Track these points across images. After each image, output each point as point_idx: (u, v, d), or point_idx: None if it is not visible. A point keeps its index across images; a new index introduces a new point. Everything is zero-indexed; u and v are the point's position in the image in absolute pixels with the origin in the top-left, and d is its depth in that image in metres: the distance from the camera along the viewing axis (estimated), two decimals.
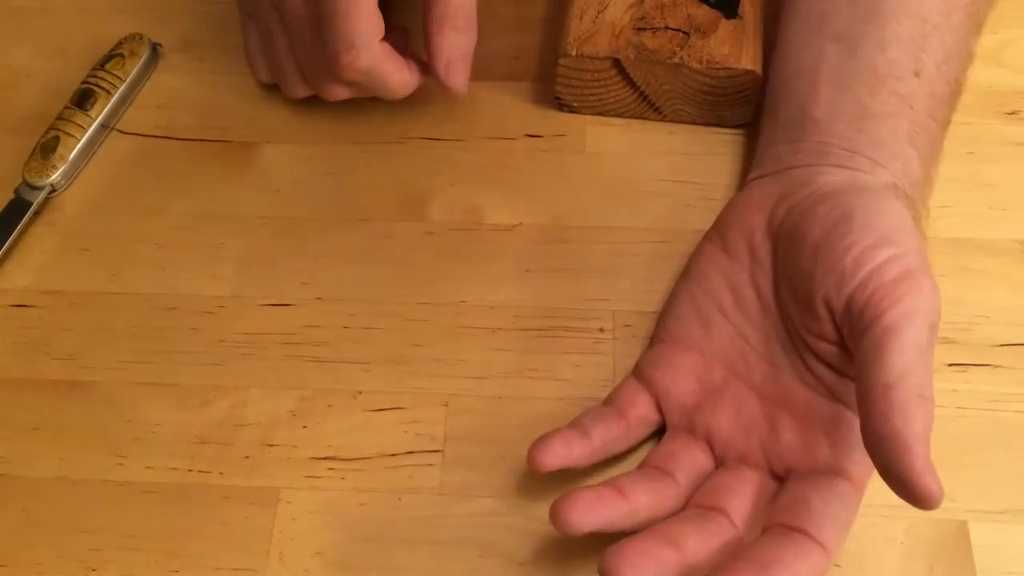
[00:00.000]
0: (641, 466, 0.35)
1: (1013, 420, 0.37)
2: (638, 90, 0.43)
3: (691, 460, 0.35)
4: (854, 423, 0.32)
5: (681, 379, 0.36)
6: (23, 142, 0.44)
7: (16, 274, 0.42)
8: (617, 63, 0.42)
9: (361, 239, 0.42)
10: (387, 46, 0.39)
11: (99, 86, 0.46)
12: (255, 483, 0.37)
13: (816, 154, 0.38)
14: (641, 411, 0.36)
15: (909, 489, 0.28)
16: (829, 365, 0.34)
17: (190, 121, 0.46)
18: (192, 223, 0.43)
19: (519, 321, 0.40)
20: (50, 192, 0.44)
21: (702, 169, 0.44)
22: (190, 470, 0.37)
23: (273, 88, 0.46)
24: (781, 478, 0.34)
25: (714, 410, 0.35)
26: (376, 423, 0.38)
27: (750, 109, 0.43)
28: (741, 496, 0.33)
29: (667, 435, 0.36)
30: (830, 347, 0.33)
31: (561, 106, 0.45)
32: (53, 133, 0.44)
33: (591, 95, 0.44)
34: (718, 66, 0.41)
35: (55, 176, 0.43)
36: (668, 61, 0.42)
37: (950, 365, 0.38)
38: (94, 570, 0.35)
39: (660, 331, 0.38)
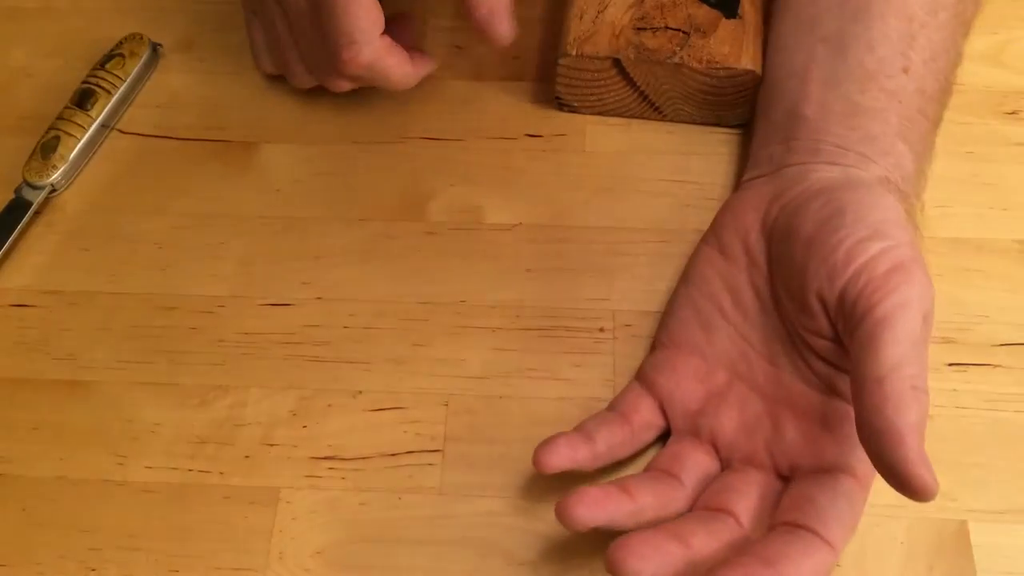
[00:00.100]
0: (646, 469, 0.35)
1: (1013, 420, 0.37)
2: (638, 90, 0.43)
3: (696, 463, 0.35)
4: None
5: (684, 383, 0.36)
6: (23, 142, 0.44)
7: (16, 274, 0.42)
8: (617, 63, 0.42)
9: (361, 239, 0.42)
10: (388, 40, 0.39)
11: (99, 86, 0.46)
12: (255, 483, 0.37)
13: (809, 152, 0.38)
14: (645, 416, 0.36)
15: (903, 481, 0.28)
16: (827, 361, 0.34)
17: (190, 121, 0.46)
18: (192, 223, 0.43)
19: (519, 321, 0.40)
20: (50, 192, 0.44)
21: (702, 169, 0.44)
22: (190, 470, 0.37)
23: (273, 88, 0.46)
24: (787, 478, 0.34)
25: (718, 413, 0.36)
26: (376, 423, 0.38)
27: (750, 109, 0.43)
28: (747, 497, 0.33)
29: (672, 439, 0.36)
30: (827, 343, 0.33)
31: (561, 106, 0.45)
32: (53, 133, 0.44)
33: (591, 95, 0.44)
34: (718, 66, 0.41)
35: (55, 176, 0.43)
36: (668, 61, 0.42)
37: (950, 365, 0.38)
38: (94, 570, 0.35)
39: (661, 336, 0.38)
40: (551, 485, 0.36)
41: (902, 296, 0.30)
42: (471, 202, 0.43)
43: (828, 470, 0.33)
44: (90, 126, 0.45)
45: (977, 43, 0.46)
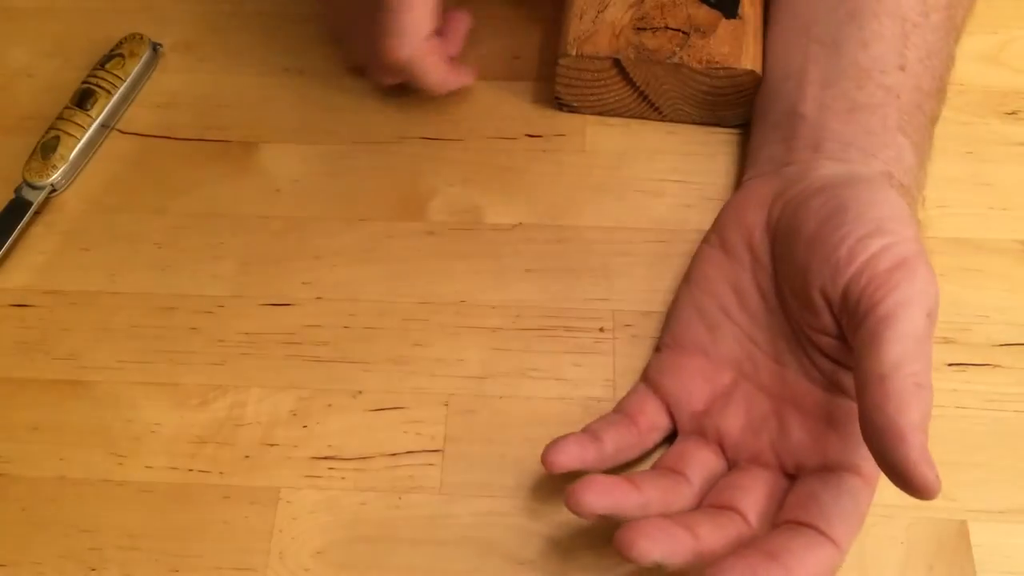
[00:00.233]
0: (653, 467, 0.35)
1: (1013, 420, 0.37)
2: (638, 90, 0.43)
3: (703, 461, 0.35)
4: None
5: (690, 384, 0.36)
6: (23, 142, 0.44)
7: (16, 274, 0.42)
8: (617, 63, 0.42)
9: (361, 239, 0.42)
10: (434, 42, 0.40)
11: (99, 86, 0.46)
12: (255, 483, 0.37)
13: (809, 149, 0.38)
14: (651, 418, 0.36)
15: (906, 480, 0.28)
16: (833, 359, 0.34)
17: (190, 121, 0.46)
18: (192, 223, 0.43)
19: (519, 321, 0.40)
20: (50, 192, 0.44)
21: (702, 169, 0.44)
22: (190, 470, 0.37)
23: (273, 88, 0.46)
24: (793, 476, 0.34)
25: (724, 412, 0.36)
26: (376, 423, 0.38)
27: (749, 109, 0.43)
28: (754, 495, 0.33)
29: (678, 439, 0.36)
30: (831, 341, 0.33)
31: (561, 106, 0.45)
32: (53, 133, 0.44)
33: (591, 95, 0.44)
34: (718, 66, 0.41)
35: (55, 176, 0.43)
36: (668, 61, 0.42)
37: (950, 365, 0.38)
38: (94, 570, 0.35)
39: (666, 337, 0.38)
40: (551, 485, 0.36)
41: (904, 293, 0.30)
42: (471, 202, 0.43)
43: (833, 468, 0.33)
44: (90, 126, 0.45)
45: (977, 43, 0.46)
